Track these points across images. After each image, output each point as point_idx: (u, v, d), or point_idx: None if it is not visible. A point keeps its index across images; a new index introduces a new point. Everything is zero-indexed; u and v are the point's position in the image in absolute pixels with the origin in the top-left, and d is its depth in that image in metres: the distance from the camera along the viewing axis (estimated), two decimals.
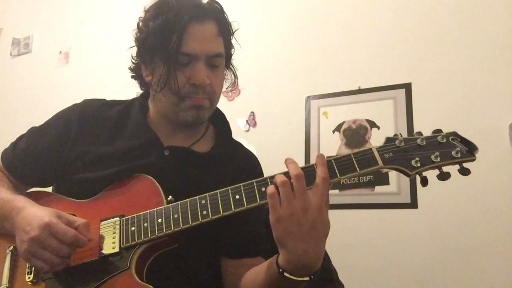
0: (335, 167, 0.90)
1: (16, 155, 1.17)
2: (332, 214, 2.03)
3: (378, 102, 2.12)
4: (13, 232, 0.99)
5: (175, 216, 0.94)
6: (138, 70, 1.17)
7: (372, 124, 2.12)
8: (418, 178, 0.91)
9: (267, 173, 1.14)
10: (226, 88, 1.21)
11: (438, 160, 0.87)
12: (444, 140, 0.89)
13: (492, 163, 1.81)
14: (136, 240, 0.95)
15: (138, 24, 1.13)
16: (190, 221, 0.93)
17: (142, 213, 0.98)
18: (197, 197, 0.95)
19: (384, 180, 2.02)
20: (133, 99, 1.23)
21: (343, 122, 2.18)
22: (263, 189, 0.90)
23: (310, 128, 2.24)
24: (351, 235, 2.03)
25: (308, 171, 0.87)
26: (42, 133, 1.17)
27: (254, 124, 2.40)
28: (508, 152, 1.82)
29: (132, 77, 1.20)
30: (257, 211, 0.93)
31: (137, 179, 1.04)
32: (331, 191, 0.90)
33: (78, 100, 1.23)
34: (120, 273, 0.93)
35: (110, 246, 0.97)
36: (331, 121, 2.21)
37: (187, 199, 0.96)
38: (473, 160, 0.87)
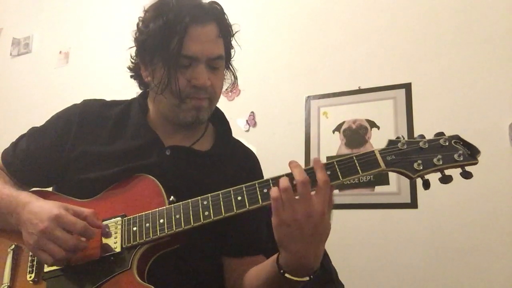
0: (337, 169, 0.90)
1: (16, 155, 1.17)
2: (332, 214, 2.03)
3: (378, 102, 2.12)
4: (18, 227, 0.98)
5: (177, 216, 0.95)
6: (137, 69, 1.17)
7: (372, 124, 2.12)
8: (420, 181, 0.91)
9: (267, 173, 1.14)
10: (226, 89, 1.21)
11: (441, 163, 0.88)
12: (447, 143, 0.89)
13: (492, 163, 1.81)
14: (137, 240, 0.96)
15: (137, 24, 1.12)
16: (192, 221, 0.94)
17: (144, 213, 0.98)
18: (199, 197, 0.95)
19: (384, 180, 2.02)
20: (132, 99, 1.24)
21: (343, 122, 2.18)
22: (265, 190, 0.91)
23: (310, 128, 2.24)
24: (351, 235, 2.03)
25: (308, 174, 0.87)
26: (43, 133, 1.17)
27: (254, 124, 2.40)
28: (508, 152, 1.82)
29: (131, 76, 1.20)
30: (259, 210, 0.93)
31: (139, 179, 1.05)
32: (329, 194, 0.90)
33: (78, 100, 1.23)
34: (121, 273, 0.94)
35: (112, 246, 0.97)
36: (331, 121, 2.21)
37: (189, 200, 0.96)
38: (475, 163, 0.88)
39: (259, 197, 0.91)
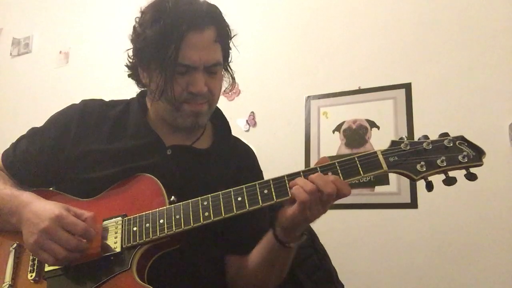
0: (339, 170, 0.90)
1: (16, 156, 1.17)
2: (332, 214, 2.03)
3: (378, 102, 2.12)
4: (19, 226, 0.99)
5: (177, 217, 0.95)
6: (135, 69, 1.17)
7: (372, 124, 2.12)
8: (421, 182, 0.90)
9: (267, 173, 1.14)
10: (224, 90, 1.21)
11: (444, 164, 0.86)
12: (451, 144, 0.88)
13: (492, 163, 1.80)
14: (137, 241, 0.96)
15: (134, 26, 1.11)
16: (191, 222, 0.94)
17: (144, 213, 0.98)
18: (199, 198, 0.95)
19: (384, 180, 2.02)
20: (131, 99, 1.24)
21: (343, 122, 2.18)
22: (265, 191, 0.91)
23: (310, 128, 2.24)
24: (351, 235, 2.03)
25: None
26: (42, 134, 1.17)
27: (254, 124, 2.40)
28: (508, 152, 1.82)
29: (129, 75, 1.20)
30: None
31: (139, 179, 1.05)
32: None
33: (78, 100, 1.23)
34: (121, 273, 0.94)
35: (112, 246, 0.97)
36: (331, 121, 2.21)
37: (189, 200, 0.96)
38: (480, 165, 0.86)
39: (259, 198, 0.91)
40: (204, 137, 1.20)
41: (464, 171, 0.87)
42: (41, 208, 0.96)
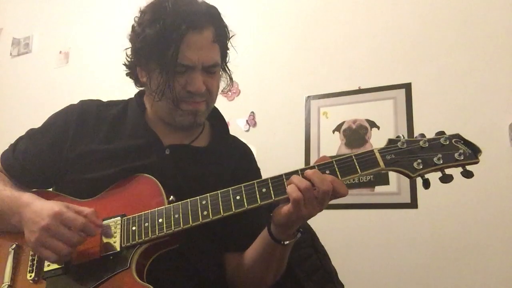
0: (336, 169, 0.90)
1: (15, 157, 1.17)
2: (332, 214, 2.04)
3: (378, 102, 2.12)
4: (20, 226, 0.99)
5: (176, 216, 0.95)
6: (133, 68, 1.17)
7: (372, 124, 2.12)
8: (420, 181, 0.90)
9: (267, 173, 1.14)
10: (222, 90, 1.22)
11: (441, 162, 0.87)
12: (447, 142, 0.89)
13: (492, 163, 1.81)
14: (136, 240, 0.96)
15: (133, 26, 1.12)
16: (190, 221, 0.94)
17: (143, 213, 0.98)
18: (198, 197, 0.96)
19: (384, 180, 2.02)
20: (129, 99, 1.24)
21: (343, 122, 2.18)
22: (264, 190, 0.92)
23: (310, 128, 2.24)
24: (351, 235, 2.03)
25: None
26: (41, 134, 1.18)
27: (254, 124, 2.40)
28: (508, 152, 1.82)
29: (126, 74, 1.21)
30: None
31: (138, 178, 1.05)
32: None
33: (78, 100, 1.23)
34: (120, 273, 0.94)
35: (111, 245, 0.97)
36: (331, 121, 2.21)
37: (188, 199, 0.96)
38: (477, 162, 0.87)
39: (258, 197, 0.92)
40: (202, 137, 1.21)
41: (460, 169, 0.88)
42: (41, 207, 0.96)
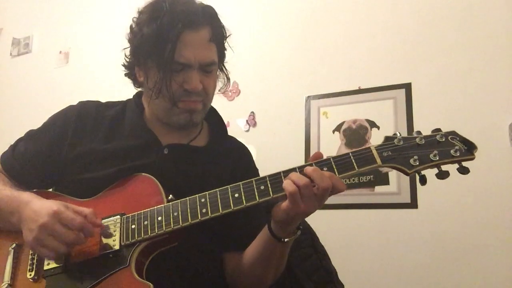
0: (334, 166, 0.91)
1: (15, 158, 1.18)
2: (332, 214, 2.03)
3: (378, 102, 2.12)
4: (19, 225, 0.99)
5: (175, 214, 0.96)
6: (131, 68, 1.19)
7: (372, 124, 2.12)
8: (417, 177, 0.91)
9: (267, 173, 1.14)
10: (219, 90, 1.23)
11: (437, 158, 0.88)
12: (443, 139, 0.89)
13: (492, 163, 1.81)
14: (136, 238, 0.96)
15: (131, 26, 1.13)
16: (189, 219, 0.95)
17: (142, 211, 0.99)
18: (196, 195, 0.96)
19: (384, 180, 2.02)
20: (128, 100, 1.25)
21: (343, 122, 2.18)
22: (262, 187, 0.92)
23: (310, 128, 2.24)
24: (351, 235, 2.03)
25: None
26: (40, 135, 1.19)
27: (254, 124, 2.40)
28: (508, 152, 1.82)
29: (125, 74, 1.22)
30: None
31: (137, 178, 1.06)
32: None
33: (78, 100, 1.24)
34: (120, 270, 0.94)
35: (111, 243, 0.98)
36: (331, 121, 2.21)
37: (187, 198, 0.97)
38: (472, 159, 0.88)
39: (256, 194, 0.92)
40: (201, 137, 1.21)
41: (456, 165, 0.89)
42: (40, 206, 0.96)
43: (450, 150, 0.88)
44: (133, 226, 0.97)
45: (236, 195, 0.93)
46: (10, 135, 1.26)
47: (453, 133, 0.91)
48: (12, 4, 3.44)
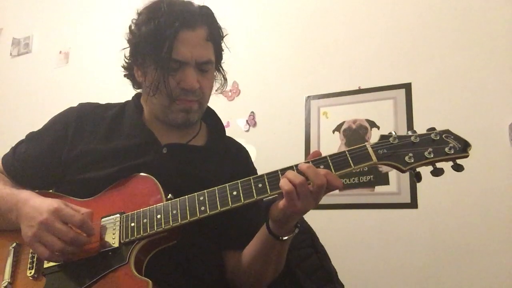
0: (330, 164, 0.93)
1: (16, 159, 1.20)
2: (332, 214, 2.03)
3: (378, 102, 2.12)
4: (17, 222, 1.00)
5: (174, 212, 0.97)
6: (130, 69, 1.21)
7: (372, 124, 2.12)
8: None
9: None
10: (216, 90, 1.25)
11: (431, 156, 0.90)
12: (438, 137, 0.91)
13: (492, 163, 1.81)
14: (135, 236, 0.97)
15: (130, 26, 1.16)
16: (188, 216, 0.96)
17: (142, 209, 1.00)
18: (195, 194, 0.98)
19: (384, 180, 2.02)
20: (127, 101, 1.27)
21: (343, 122, 2.18)
22: (260, 185, 0.94)
23: (310, 128, 2.24)
24: (351, 235, 2.03)
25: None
26: (40, 136, 1.21)
27: (254, 124, 2.40)
28: (508, 152, 1.82)
29: (125, 75, 1.24)
30: (256, 202, 0.97)
31: (137, 178, 1.07)
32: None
33: (78, 99, 1.25)
34: (119, 268, 0.95)
35: (110, 241, 0.98)
36: (331, 121, 2.21)
37: (186, 196, 0.98)
38: (466, 156, 0.90)
39: (254, 191, 0.94)
40: (199, 136, 1.23)
41: (451, 163, 0.91)
42: (40, 203, 0.97)
43: (445, 148, 0.90)
44: (132, 224, 0.98)
45: (235, 193, 0.95)
46: (10, 135, 1.26)
47: (447, 131, 0.93)
48: (12, 4, 3.44)
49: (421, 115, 2.01)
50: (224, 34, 1.19)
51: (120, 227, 0.99)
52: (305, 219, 1.32)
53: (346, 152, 0.93)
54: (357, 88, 2.18)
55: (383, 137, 0.95)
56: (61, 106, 1.24)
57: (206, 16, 1.13)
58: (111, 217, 1.02)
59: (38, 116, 1.31)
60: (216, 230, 1.11)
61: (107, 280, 0.94)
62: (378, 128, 2.10)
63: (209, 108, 1.25)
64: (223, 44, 1.20)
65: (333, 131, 2.19)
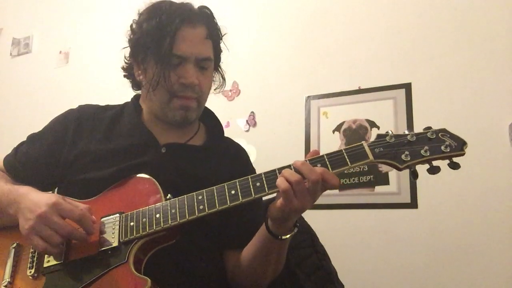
0: (327, 162, 0.94)
1: (17, 159, 1.21)
2: (332, 214, 2.03)
3: (378, 102, 2.12)
4: (16, 216, 1.00)
5: (173, 211, 0.97)
6: (130, 69, 1.23)
7: (372, 124, 2.12)
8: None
9: None
10: (215, 89, 1.26)
11: (428, 154, 0.91)
12: (434, 136, 0.92)
13: (492, 163, 1.81)
14: (134, 235, 0.98)
15: (131, 26, 1.18)
16: (187, 215, 0.96)
17: (141, 209, 1.00)
18: (194, 193, 0.98)
19: (384, 180, 2.02)
20: (126, 103, 1.29)
21: (343, 122, 2.18)
22: (258, 184, 0.95)
23: (310, 128, 2.24)
24: (351, 235, 2.03)
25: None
26: (41, 138, 1.22)
27: (254, 124, 2.40)
28: (508, 152, 1.82)
29: (124, 76, 1.26)
30: (255, 201, 0.98)
31: (137, 178, 1.08)
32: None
33: (78, 100, 1.27)
34: (118, 266, 0.95)
35: (110, 240, 0.99)
36: (331, 121, 2.21)
37: (185, 195, 0.99)
38: (462, 154, 0.91)
39: (252, 190, 0.95)
40: (198, 137, 1.24)
41: (447, 161, 0.92)
42: (38, 198, 0.98)
43: (441, 146, 0.91)
44: (131, 224, 0.99)
45: (233, 191, 0.95)
46: (10, 135, 1.27)
47: (443, 130, 0.94)
48: (12, 4, 3.44)
49: (421, 115, 2.01)
50: (222, 34, 1.21)
51: (119, 226, 1.00)
52: (305, 219, 1.32)
53: (343, 151, 0.94)
54: (357, 88, 2.18)
55: (380, 136, 0.96)
56: (61, 106, 1.25)
57: (205, 16, 1.17)
58: (111, 217, 1.02)
59: (38, 116, 1.31)
60: (215, 230, 1.12)
61: (107, 279, 0.95)
62: (378, 128, 2.10)
63: (207, 108, 1.27)
64: (222, 44, 1.23)
65: (333, 131, 2.19)
